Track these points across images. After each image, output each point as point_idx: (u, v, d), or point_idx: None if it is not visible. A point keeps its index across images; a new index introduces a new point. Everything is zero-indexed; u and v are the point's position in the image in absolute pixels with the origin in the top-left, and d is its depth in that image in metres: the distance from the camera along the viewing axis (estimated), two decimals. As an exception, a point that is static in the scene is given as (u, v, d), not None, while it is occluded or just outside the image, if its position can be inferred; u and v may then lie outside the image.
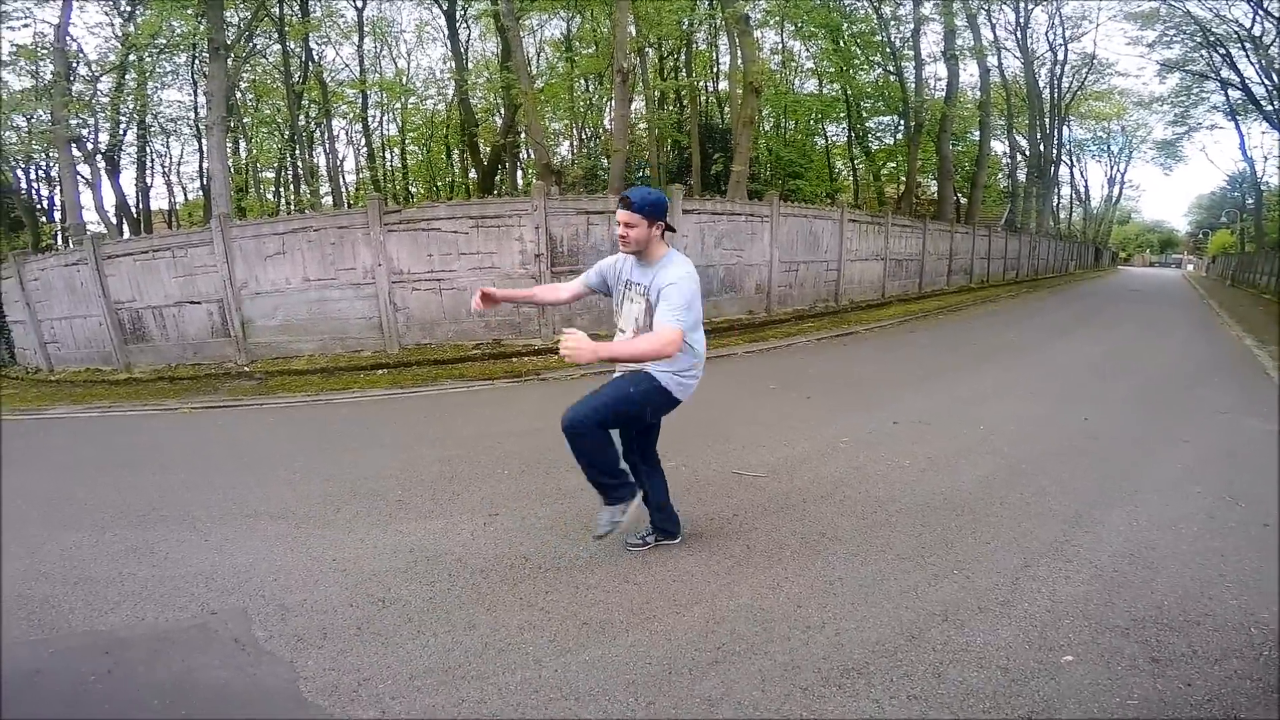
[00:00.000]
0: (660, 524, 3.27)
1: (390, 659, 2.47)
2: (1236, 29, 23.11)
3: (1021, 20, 28.10)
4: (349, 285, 9.64)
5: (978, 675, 2.27)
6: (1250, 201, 34.03)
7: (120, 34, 18.51)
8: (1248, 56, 23.85)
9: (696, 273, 2.79)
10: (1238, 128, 28.59)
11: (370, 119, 26.58)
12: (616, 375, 2.94)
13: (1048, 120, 32.67)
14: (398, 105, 26.36)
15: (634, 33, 15.32)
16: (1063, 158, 39.86)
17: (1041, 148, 32.57)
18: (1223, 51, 24.79)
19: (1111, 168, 49.74)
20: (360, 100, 24.82)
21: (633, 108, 18.22)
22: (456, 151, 28.59)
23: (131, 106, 19.64)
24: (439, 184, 29.08)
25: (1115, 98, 36.72)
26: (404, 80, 26.68)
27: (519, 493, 4.11)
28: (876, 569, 3.02)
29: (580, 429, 2.73)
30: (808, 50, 25.75)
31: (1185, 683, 2.23)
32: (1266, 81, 23.49)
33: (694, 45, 22.57)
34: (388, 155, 30.26)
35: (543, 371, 8.49)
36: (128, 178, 24.56)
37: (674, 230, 2.90)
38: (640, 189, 2.80)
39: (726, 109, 23.19)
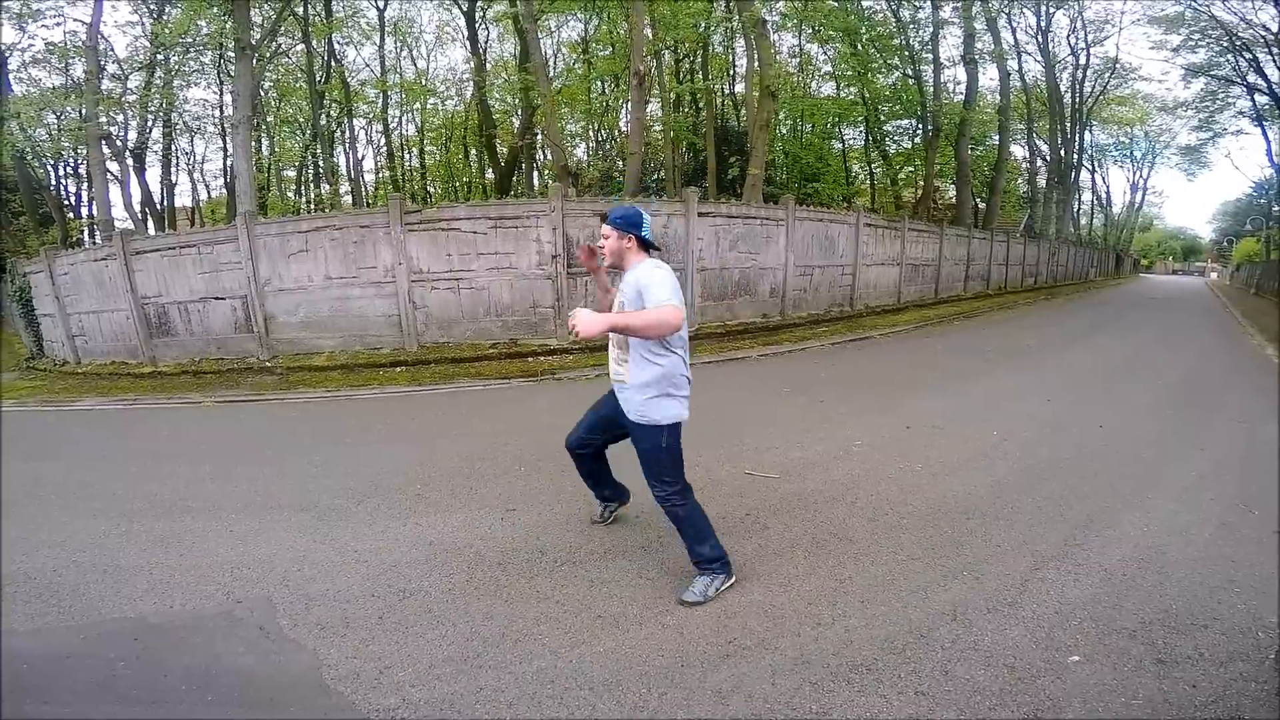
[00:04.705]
0: (611, 496, 3.58)
1: (411, 648, 2.55)
2: (1263, 33, 22.77)
3: (1043, 24, 27.82)
4: (370, 284, 9.78)
5: (985, 673, 2.32)
6: (1277, 209, 33.48)
7: (150, 32, 18.82)
8: (1274, 61, 23.49)
9: (674, 277, 2.79)
10: (1264, 133, 28.14)
11: (390, 119, 26.85)
12: (632, 430, 2.94)
13: (1069, 125, 32.31)
14: (417, 106, 26.58)
15: (650, 35, 15.35)
16: (1084, 163, 39.48)
17: (1062, 153, 32.20)
18: (1249, 56, 24.43)
19: (1134, 173, 49.13)
20: (380, 100, 25.09)
21: (648, 110, 18.29)
22: (474, 152, 28.78)
23: (159, 104, 19.97)
24: (457, 184, 29.27)
25: (1138, 102, 36.29)
26: (424, 81, 26.91)
27: (535, 489, 4.19)
28: (887, 569, 3.07)
29: (671, 498, 2.87)
30: (825, 54, 25.68)
31: (1190, 684, 2.26)
32: (1293, 87, 23.15)
33: (710, 48, 22.52)
34: (406, 155, 30.52)
35: (558, 371, 8.57)
36: (153, 175, 25.04)
37: (657, 248, 2.96)
38: (619, 207, 2.92)
39: (743, 112, 23.16)
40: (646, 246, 2.90)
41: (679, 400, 2.85)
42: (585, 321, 2.53)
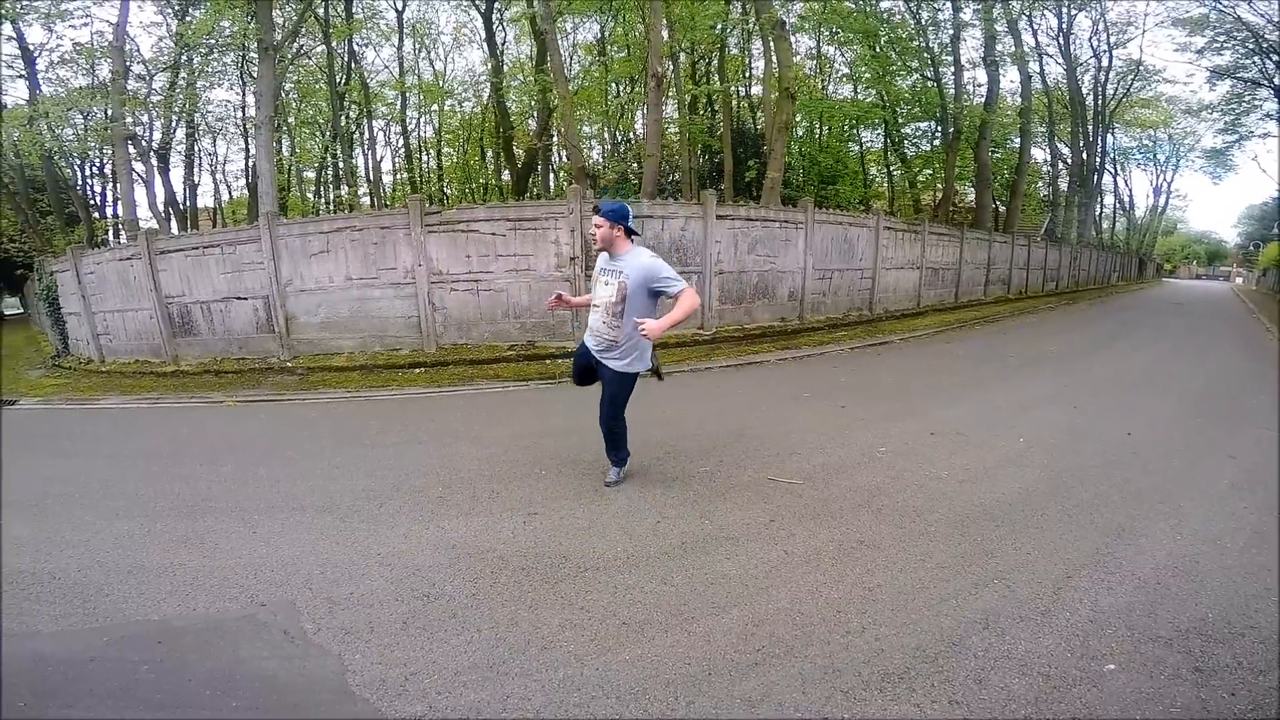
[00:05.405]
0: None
1: (436, 653, 2.53)
2: (1291, 35, 22.37)
3: (1064, 26, 27.51)
4: (389, 284, 9.84)
5: (1020, 682, 2.29)
6: (1304, 213, 32.89)
7: (174, 33, 19.06)
8: (1303, 63, 23.08)
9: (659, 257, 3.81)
10: (1291, 136, 27.68)
11: (408, 120, 27.05)
12: (609, 375, 3.98)
13: (1091, 128, 31.85)
14: (435, 107, 26.75)
15: (667, 37, 15.31)
16: (1106, 166, 38.85)
17: (1084, 156, 31.71)
18: (1276, 58, 24.01)
19: (1157, 177, 48.44)
20: (399, 101, 25.27)
21: (665, 112, 18.24)
22: (491, 153, 28.90)
23: (183, 105, 20.22)
24: (474, 185, 29.41)
25: (1162, 105, 35.68)
26: (441, 82, 27.07)
27: (557, 492, 4.18)
28: (916, 577, 3.02)
29: (615, 422, 4.10)
30: (843, 55, 25.53)
31: (1229, 692, 2.23)
32: (1322, 89, 22.70)
33: (727, 50, 22.46)
34: (424, 156, 30.71)
35: (576, 373, 8.55)
36: (176, 175, 25.35)
37: (636, 234, 3.93)
38: (608, 201, 3.98)
39: (759, 114, 23.09)
40: (629, 234, 3.85)
41: (646, 357, 3.96)
42: (652, 328, 3.42)
